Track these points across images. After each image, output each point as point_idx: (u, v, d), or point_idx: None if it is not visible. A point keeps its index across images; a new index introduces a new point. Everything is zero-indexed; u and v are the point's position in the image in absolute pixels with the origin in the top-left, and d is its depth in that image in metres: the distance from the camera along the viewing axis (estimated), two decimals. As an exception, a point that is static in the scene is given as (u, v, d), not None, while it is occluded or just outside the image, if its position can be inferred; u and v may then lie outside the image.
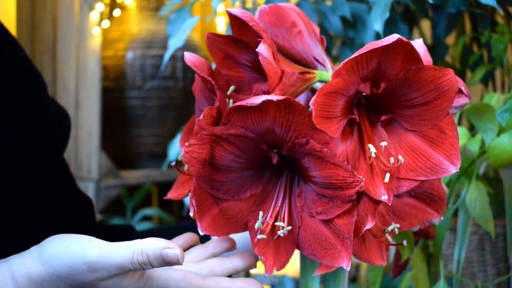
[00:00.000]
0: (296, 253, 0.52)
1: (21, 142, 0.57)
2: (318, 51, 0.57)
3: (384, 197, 0.47)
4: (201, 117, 0.50)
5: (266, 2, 0.97)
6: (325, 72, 0.55)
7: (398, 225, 0.54)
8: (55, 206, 0.62)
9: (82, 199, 0.69)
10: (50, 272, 0.49)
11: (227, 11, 0.51)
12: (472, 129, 0.91)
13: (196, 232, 0.74)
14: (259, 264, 0.53)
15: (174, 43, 1.07)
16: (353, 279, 1.48)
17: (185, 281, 0.52)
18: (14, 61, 0.58)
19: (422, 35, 1.15)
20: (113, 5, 1.86)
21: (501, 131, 0.69)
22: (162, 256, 0.48)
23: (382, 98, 0.49)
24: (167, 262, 0.48)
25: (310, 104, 0.45)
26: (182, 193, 0.58)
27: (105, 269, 0.48)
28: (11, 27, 1.72)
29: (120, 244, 0.49)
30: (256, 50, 0.48)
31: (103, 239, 0.50)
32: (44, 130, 0.61)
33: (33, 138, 0.59)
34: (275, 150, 0.49)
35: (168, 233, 0.81)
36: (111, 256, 0.48)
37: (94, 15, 1.71)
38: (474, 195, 0.72)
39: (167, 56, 1.10)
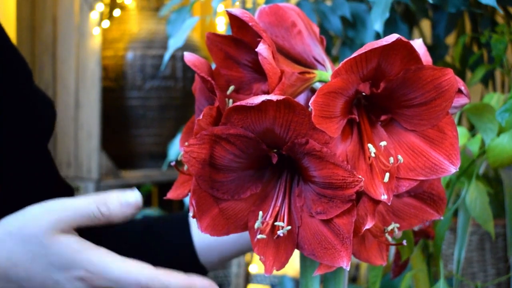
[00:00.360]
0: (296, 253, 0.52)
1: (6, 130, 0.57)
2: (318, 51, 0.57)
3: (384, 197, 0.47)
4: (201, 117, 0.50)
5: (266, 2, 0.97)
6: (325, 72, 0.55)
7: (398, 225, 0.54)
8: (37, 195, 0.61)
9: (64, 189, 0.68)
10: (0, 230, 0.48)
11: (227, 11, 0.51)
12: (472, 129, 0.91)
13: (182, 220, 0.74)
14: (259, 264, 0.53)
15: (174, 43, 1.07)
16: (353, 279, 1.48)
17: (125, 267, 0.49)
18: None
19: (422, 35, 1.15)
20: (113, 5, 1.86)
21: (501, 131, 0.69)
22: (119, 196, 0.50)
23: (382, 98, 0.49)
24: (125, 204, 0.50)
25: (309, 104, 0.45)
26: (182, 193, 0.57)
27: (63, 210, 0.49)
28: (11, 27, 1.72)
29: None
30: (256, 50, 0.48)
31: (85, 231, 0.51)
32: (30, 119, 0.61)
33: (19, 127, 0.59)
34: (275, 150, 0.49)
35: (154, 224, 0.81)
36: (70, 200, 0.50)
37: (94, 15, 1.71)
38: (474, 195, 0.72)
39: (167, 56, 1.10)
